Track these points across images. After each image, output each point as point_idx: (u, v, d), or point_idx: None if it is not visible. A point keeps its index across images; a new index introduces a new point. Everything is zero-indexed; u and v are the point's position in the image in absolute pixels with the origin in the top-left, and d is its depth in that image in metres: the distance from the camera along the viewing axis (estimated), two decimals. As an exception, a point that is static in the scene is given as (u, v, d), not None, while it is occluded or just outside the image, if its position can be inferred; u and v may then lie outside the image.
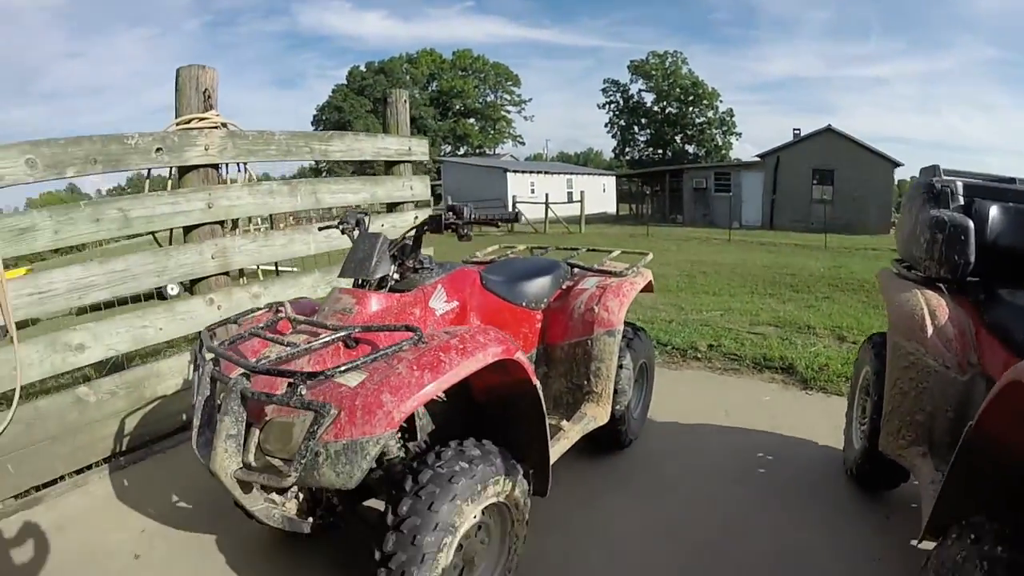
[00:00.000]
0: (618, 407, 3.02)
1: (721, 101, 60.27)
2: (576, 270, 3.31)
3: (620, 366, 3.01)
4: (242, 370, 1.79)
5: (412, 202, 5.15)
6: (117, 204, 3.37)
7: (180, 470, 3.27)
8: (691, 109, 59.92)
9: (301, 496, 2.11)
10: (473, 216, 2.29)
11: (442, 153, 53.24)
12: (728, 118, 60.46)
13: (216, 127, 3.77)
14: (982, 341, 2.29)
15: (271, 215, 4.88)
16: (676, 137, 61.21)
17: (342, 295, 2.17)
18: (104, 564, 2.52)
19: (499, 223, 2.44)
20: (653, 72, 59.65)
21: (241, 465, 1.75)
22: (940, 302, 2.37)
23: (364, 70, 61.42)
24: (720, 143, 60.47)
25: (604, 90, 63.99)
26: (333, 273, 4.27)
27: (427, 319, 2.21)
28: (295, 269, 4.79)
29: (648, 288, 3.32)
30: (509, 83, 65.16)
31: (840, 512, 2.77)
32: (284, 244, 4.21)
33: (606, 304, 2.91)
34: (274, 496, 2.02)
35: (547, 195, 26.28)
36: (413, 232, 2.35)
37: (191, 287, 3.84)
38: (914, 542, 2.49)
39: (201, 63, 3.75)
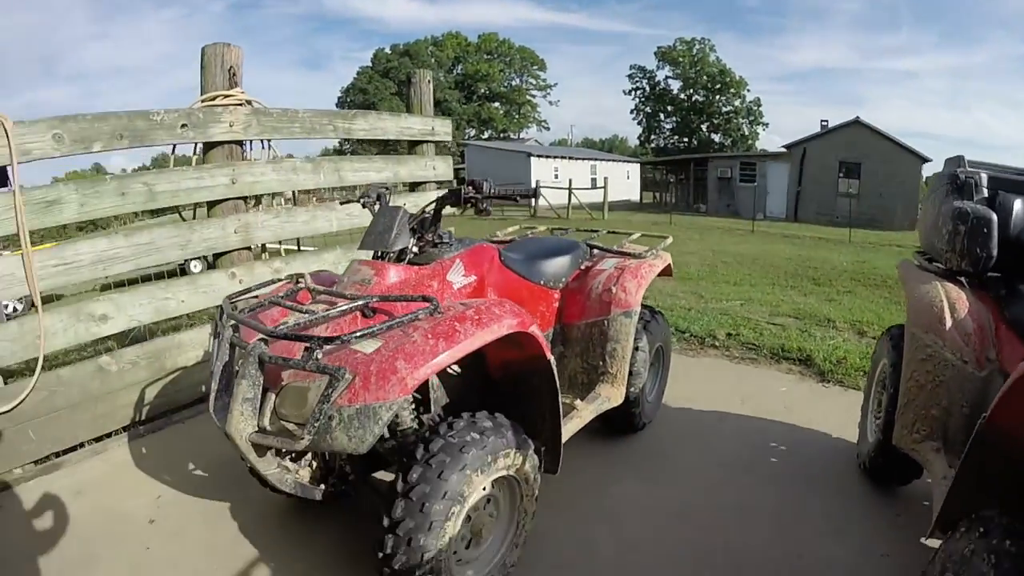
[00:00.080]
0: (633, 389, 3.03)
1: (748, 90, 59.55)
2: (595, 251, 3.32)
3: (636, 348, 3.01)
4: (261, 337, 1.82)
5: (434, 182, 5.17)
6: (142, 178, 3.43)
7: (197, 440, 3.34)
8: (718, 97, 59.21)
9: (314, 464, 2.16)
10: (492, 190, 2.30)
11: (466, 137, 53.06)
12: (755, 108, 59.70)
13: (241, 104, 3.81)
14: (1002, 337, 2.26)
15: (294, 194, 4.91)
16: (702, 126, 60.55)
17: (361, 266, 2.20)
18: (119, 528, 2.59)
19: (518, 198, 2.45)
20: (680, 59, 58.97)
21: (256, 429, 1.78)
22: (960, 295, 2.34)
23: (389, 52, 61.29)
24: (746, 133, 59.76)
25: (630, 76, 63.43)
26: (355, 251, 4.32)
27: (445, 292, 2.24)
28: (314, 249, 4.82)
29: (667, 271, 3.32)
30: (535, 67, 64.74)
31: (850, 506, 2.76)
32: (306, 220, 4.26)
33: (624, 285, 2.91)
34: (287, 463, 2.06)
35: (570, 180, 26.14)
36: (433, 205, 2.37)
37: (214, 261, 3.90)
38: (924, 539, 2.47)
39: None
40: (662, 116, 63.16)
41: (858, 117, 27.26)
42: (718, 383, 4.25)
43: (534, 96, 64.94)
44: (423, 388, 2.18)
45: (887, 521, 2.65)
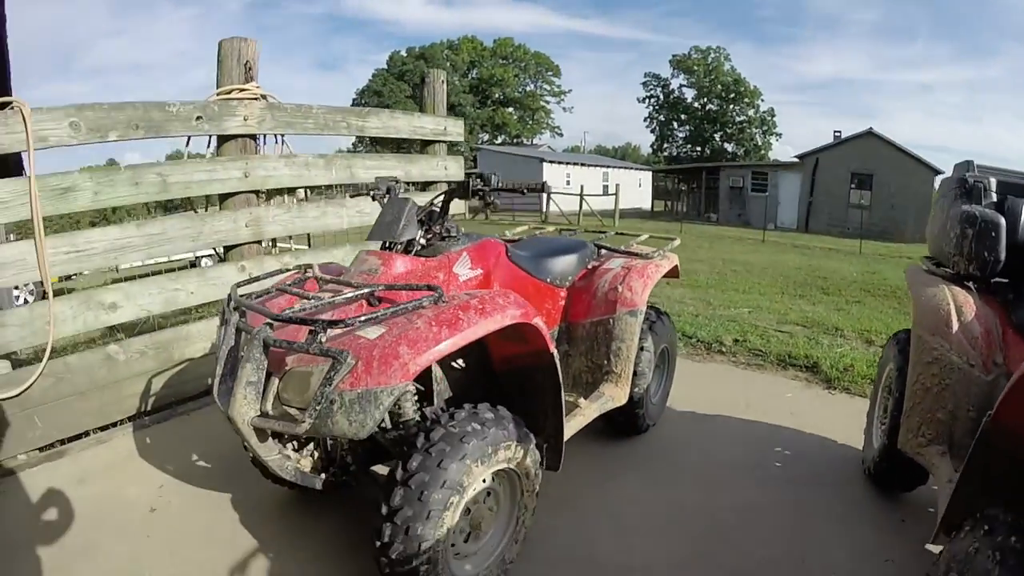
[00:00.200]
0: (637, 389, 3.02)
1: (762, 100, 59.39)
2: (603, 251, 3.32)
3: (641, 348, 3.01)
4: (266, 322, 1.83)
5: (446, 182, 5.18)
6: (156, 169, 3.45)
7: (202, 431, 3.36)
8: (732, 107, 59.06)
9: (316, 454, 2.16)
10: (500, 183, 2.31)
11: (479, 141, 53.15)
12: (769, 117, 59.51)
13: (256, 98, 3.84)
14: (1009, 341, 2.25)
15: (307, 195, 4.95)
16: (715, 135, 60.38)
17: (368, 256, 2.21)
18: (120, 516, 2.60)
19: (525, 190, 2.46)
20: (695, 68, 58.91)
21: (259, 413, 1.79)
22: (967, 299, 2.33)
23: (405, 55, 61.45)
24: (759, 143, 59.56)
25: (644, 84, 63.37)
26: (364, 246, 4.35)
27: (450, 284, 2.24)
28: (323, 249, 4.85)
29: (673, 273, 3.31)
30: (549, 73, 64.75)
31: (855, 511, 2.75)
32: (317, 216, 4.28)
33: (630, 284, 2.92)
34: (289, 451, 2.07)
35: (582, 187, 26.15)
36: (441, 198, 2.38)
37: (224, 254, 3.92)
38: (928, 545, 2.46)
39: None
40: (675, 124, 63.03)
41: (871, 128, 27.19)
42: (724, 388, 4.24)
43: (548, 102, 65.00)
44: (426, 380, 2.19)
45: (891, 526, 2.64)
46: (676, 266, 3.31)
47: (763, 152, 58.10)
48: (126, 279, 3.66)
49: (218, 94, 3.73)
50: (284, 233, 4.17)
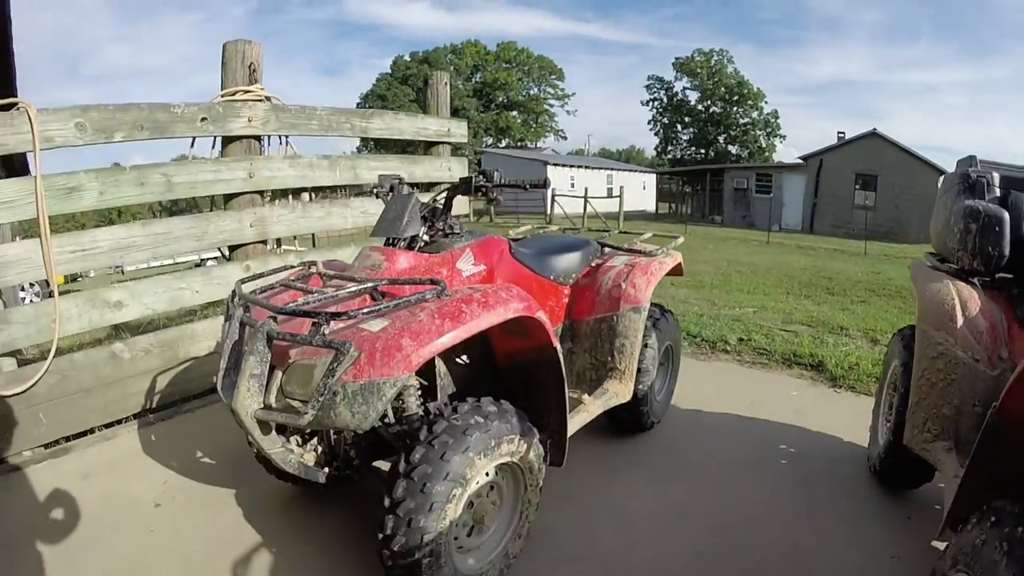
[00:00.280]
0: (641, 386, 3.03)
1: (766, 102, 59.47)
2: (606, 249, 3.32)
3: (645, 345, 3.01)
4: (270, 315, 1.84)
5: (450, 183, 5.18)
6: (161, 169, 3.47)
7: (207, 429, 3.37)
8: (735, 109, 59.09)
9: (319, 449, 2.17)
10: (503, 179, 2.31)
11: (483, 145, 53.20)
12: (772, 120, 59.57)
13: (260, 100, 3.86)
14: (1014, 336, 2.23)
15: (311, 197, 4.97)
16: (719, 137, 60.40)
17: (372, 252, 2.22)
18: (125, 511, 2.61)
19: (528, 186, 2.46)
20: (698, 70, 58.97)
21: (262, 405, 1.80)
22: (972, 293, 2.32)
23: (408, 60, 61.64)
24: (763, 145, 59.56)
25: (648, 87, 63.51)
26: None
27: (454, 279, 2.24)
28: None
29: (677, 270, 3.31)
30: (553, 77, 64.86)
31: (860, 508, 2.73)
32: (321, 216, 4.30)
33: (633, 281, 2.91)
34: (293, 445, 2.08)
35: (586, 189, 26.12)
36: (445, 194, 2.39)
37: (229, 254, 3.94)
38: (935, 542, 2.44)
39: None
40: (679, 127, 63.12)
41: (875, 129, 27.10)
42: (728, 386, 4.23)
43: (552, 105, 65.16)
44: (430, 375, 2.20)
45: (897, 523, 2.62)
46: (680, 264, 3.31)
47: (767, 154, 58.07)
48: (131, 281, 3.67)
49: (223, 95, 3.75)
50: (289, 233, 4.19)
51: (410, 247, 2.27)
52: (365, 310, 1.75)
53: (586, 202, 24.23)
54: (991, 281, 2.43)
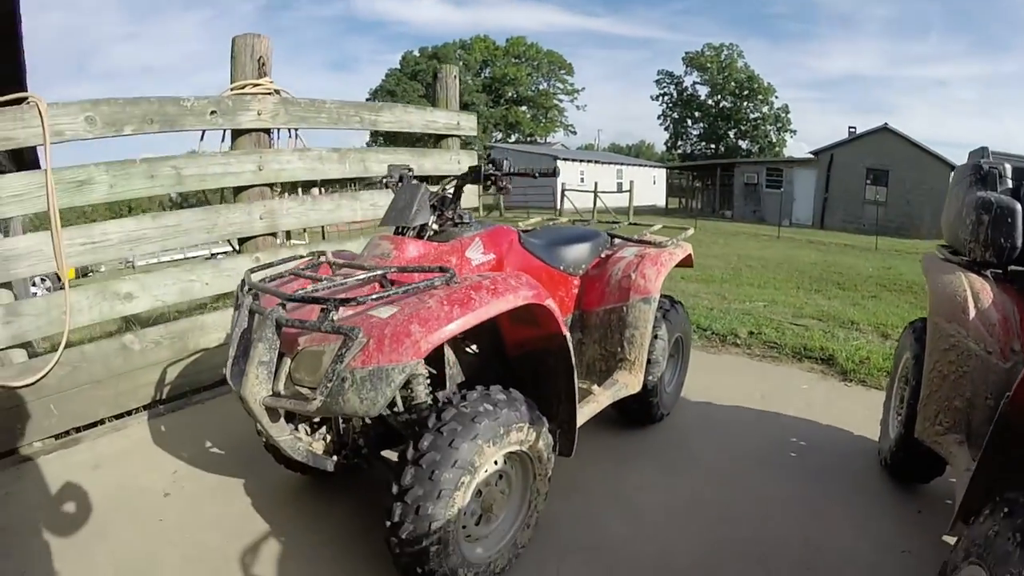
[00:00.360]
0: (651, 377, 3.01)
1: (776, 97, 58.93)
2: (616, 240, 3.31)
3: (655, 336, 3.00)
4: (279, 302, 1.84)
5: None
6: (171, 162, 3.48)
7: (216, 419, 3.39)
8: (745, 104, 58.69)
9: (328, 437, 2.17)
10: (512, 168, 2.31)
11: (493, 140, 53.13)
12: (783, 114, 59.09)
13: (269, 93, 3.86)
14: None
15: (320, 191, 4.98)
16: (729, 132, 60.07)
17: (381, 241, 2.22)
18: (134, 501, 2.63)
19: (537, 174, 2.46)
20: (708, 65, 58.62)
21: (271, 393, 1.80)
22: (984, 285, 2.30)
23: (418, 55, 61.48)
24: (774, 140, 59.16)
25: (658, 81, 63.16)
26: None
27: (463, 268, 2.24)
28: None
29: (687, 262, 3.29)
30: (562, 72, 64.54)
31: (871, 502, 2.72)
32: (331, 209, 4.30)
33: (643, 271, 2.90)
34: (301, 434, 2.08)
35: (596, 184, 26.08)
36: (454, 183, 2.39)
37: (239, 246, 3.95)
38: (946, 536, 2.43)
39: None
40: (689, 122, 62.77)
41: (886, 124, 26.88)
42: (738, 379, 4.21)
43: (561, 100, 64.80)
44: (439, 364, 2.20)
45: (908, 518, 2.61)
46: (690, 255, 3.29)
47: (777, 149, 57.68)
48: (141, 273, 3.68)
49: (232, 89, 3.76)
50: (298, 225, 4.20)
51: (419, 236, 2.27)
52: (374, 296, 1.75)
53: (596, 197, 24.19)
54: (1003, 274, 2.41)
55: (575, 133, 67.47)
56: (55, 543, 2.33)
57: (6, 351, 3.02)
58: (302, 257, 2.48)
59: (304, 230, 4.58)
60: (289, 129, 4.13)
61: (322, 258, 2.32)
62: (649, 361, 2.95)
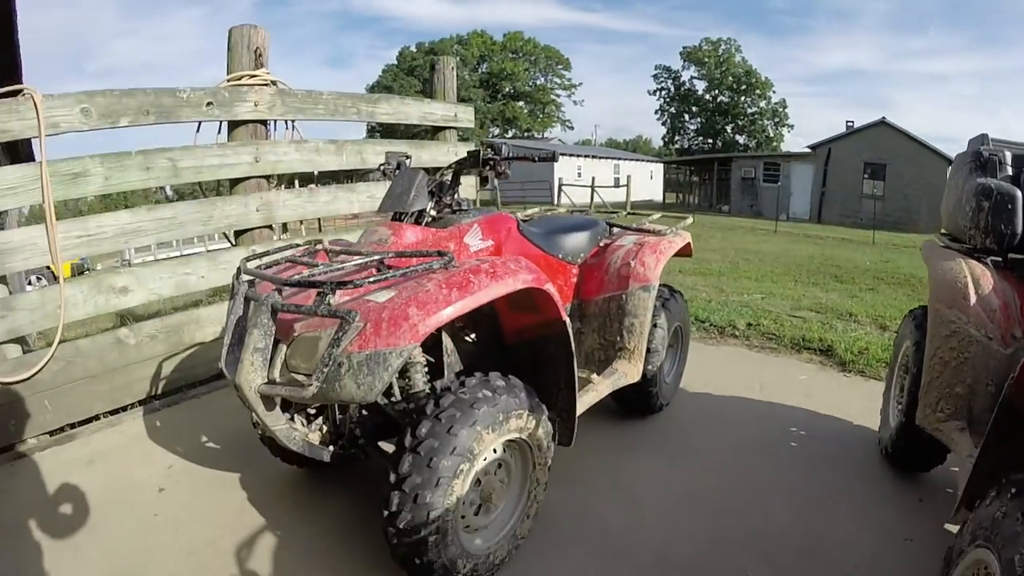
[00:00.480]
0: (650, 367, 3.00)
1: (774, 91, 58.93)
2: (615, 229, 3.29)
3: (655, 325, 2.99)
4: (275, 288, 1.82)
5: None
6: (167, 154, 3.45)
7: (212, 414, 3.37)
8: (743, 98, 58.65)
9: (324, 428, 2.15)
10: (510, 153, 2.29)
11: (490, 135, 53.06)
12: (780, 109, 59.06)
13: (266, 84, 3.84)
14: None
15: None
16: (727, 127, 60.03)
17: (379, 227, 2.20)
18: (129, 496, 2.61)
19: (536, 159, 2.44)
20: (706, 59, 58.52)
21: (266, 380, 1.77)
22: (984, 272, 2.29)
23: (415, 51, 61.37)
24: (771, 135, 59.13)
25: (655, 76, 63.02)
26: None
27: (461, 254, 2.21)
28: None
29: (686, 250, 3.27)
30: (560, 67, 64.46)
31: (872, 491, 2.71)
32: (328, 201, 4.28)
33: (643, 259, 2.89)
34: (297, 424, 2.06)
35: (593, 178, 26.06)
36: (452, 168, 2.37)
37: (235, 239, 3.92)
38: (948, 525, 2.43)
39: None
40: (687, 117, 62.73)
41: (884, 118, 26.86)
42: (737, 370, 4.21)
43: (559, 95, 64.72)
44: (436, 353, 2.18)
45: (910, 506, 2.60)
46: (689, 243, 3.28)
47: (775, 144, 57.64)
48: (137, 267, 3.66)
49: (228, 80, 3.73)
50: (295, 217, 4.17)
51: (417, 222, 2.25)
52: (371, 279, 1.73)
53: (593, 191, 24.17)
54: (1003, 261, 2.41)
55: (572, 128, 67.58)
56: (49, 540, 2.30)
57: (0, 346, 3.00)
58: (298, 245, 2.46)
59: (301, 223, 4.54)
60: (286, 121, 4.10)
61: (318, 246, 2.30)
62: (648, 350, 2.94)
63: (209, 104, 3.56)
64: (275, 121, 4.03)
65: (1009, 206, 2.31)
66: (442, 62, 5.25)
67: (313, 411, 2.19)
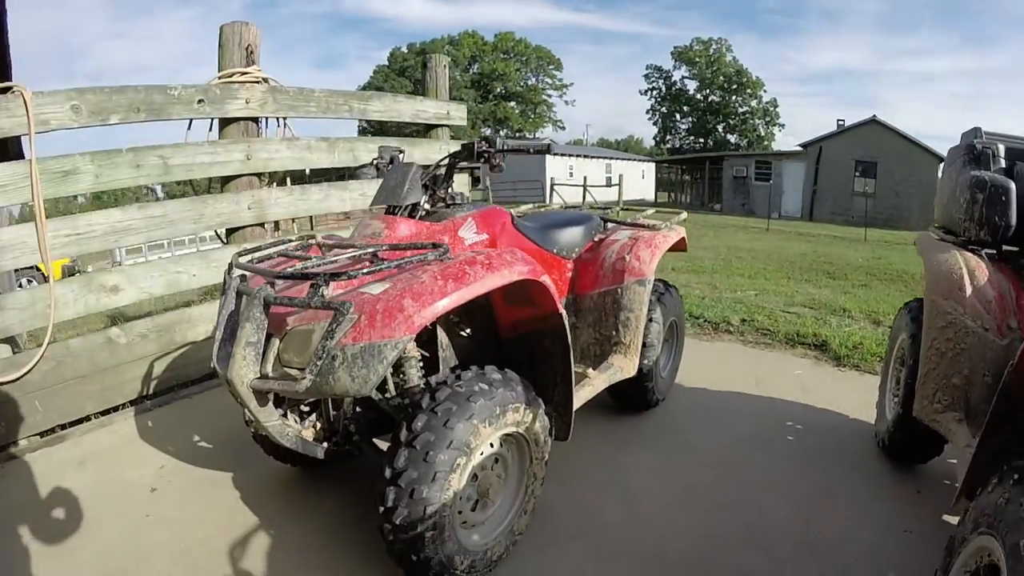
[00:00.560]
0: (646, 361, 2.99)
1: (765, 91, 59.20)
2: (609, 224, 3.28)
3: (650, 319, 2.98)
4: (268, 281, 1.80)
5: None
6: (158, 151, 3.42)
7: (204, 414, 3.34)
8: (734, 98, 58.85)
9: (318, 424, 2.12)
10: (505, 145, 2.27)
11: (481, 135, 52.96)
12: (771, 108, 59.31)
13: (257, 82, 3.81)
14: (1023, 306, 2.23)
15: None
16: (718, 126, 60.22)
17: (372, 220, 2.18)
18: (120, 496, 2.58)
19: (531, 150, 2.42)
20: (697, 59, 58.70)
21: (258, 375, 1.74)
22: (979, 263, 2.31)
23: (406, 51, 61.29)
24: (762, 134, 59.36)
25: (647, 76, 63.20)
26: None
27: (455, 248, 2.19)
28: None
29: (680, 245, 3.27)
30: (551, 67, 64.47)
31: (870, 484, 2.71)
32: (320, 199, 4.24)
33: (638, 254, 2.88)
34: (291, 420, 2.03)
35: (585, 178, 26.07)
36: (446, 161, 2.35)
37: (227, 237, 3.90)
38: (947, 516, 2.43)
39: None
40: (678, 116, 62.90)
41: (875, 116, 26.98)
42: (732, 365, 4.21)
43: (550, 96, 64.73)
44: (431, 347, 2.16)
45: (908, 498, 2.60)
46: (683, 238, 3.27)
47: (766, 143, 57.84)
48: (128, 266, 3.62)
49: (220, 78, 3.70)
50: (287, 215, 4.14)
51: (411, 216, 2.23)
52: (365, 271, 1.70)
53: (585, 191, 24.18)
54: (997, 253, 2.42)
55: (564, 128, 67.54)
56: (40, 541, 2.27)
57: (-10, 346, 2.97)
58: (291, 241, 2.44)
59: (293, 221, 4.51)
60: (278, 118, 4.08)
61: (311, 241, 2.28)
62: (644, 344, 2.93)
63: (200, 101, 3.53)
64: (267, 119, 4.00)
65: (1003, 198, 2.32)
66: (435, 59, 5.23)
67: (306, 408, 2.16)
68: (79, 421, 3.23)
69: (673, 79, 61.87)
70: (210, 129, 3.83)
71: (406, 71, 57.56)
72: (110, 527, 2.35)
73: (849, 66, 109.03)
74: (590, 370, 2.78)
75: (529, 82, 64.00)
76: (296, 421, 2.09)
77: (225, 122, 3.76)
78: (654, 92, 63.08)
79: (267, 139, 3.97)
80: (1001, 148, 2.59)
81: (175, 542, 2.26)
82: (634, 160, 44.61)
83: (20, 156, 3.10)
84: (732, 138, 60.02)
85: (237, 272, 2.00)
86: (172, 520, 2.40)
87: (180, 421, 3.27)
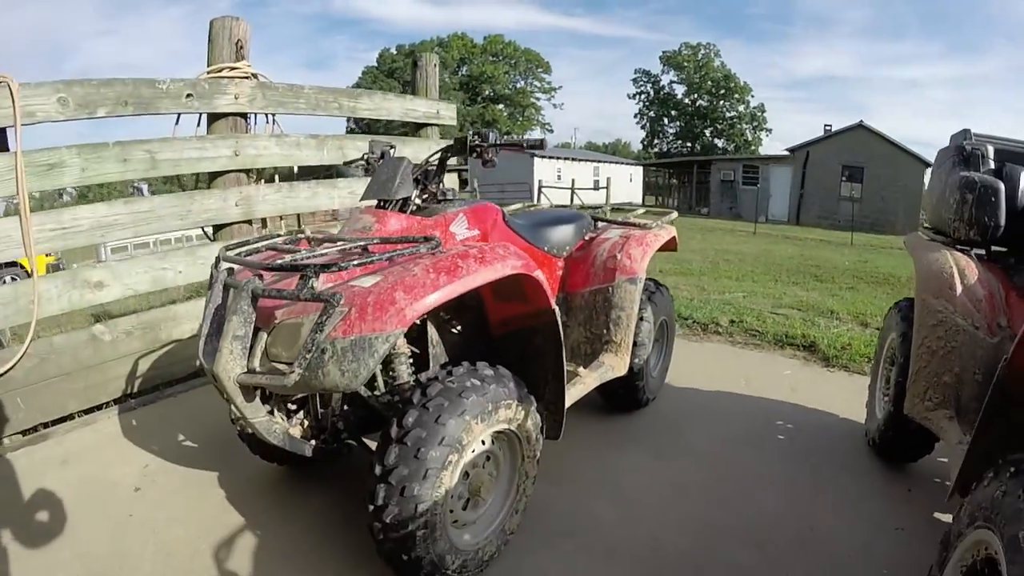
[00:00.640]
0: (637, 360, 2.98)
1: (752, 96, 59.47)
2: (600, 223, 3.27)
3: (641, 318, 2.97)
4: (256, 273, 1.76)
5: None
6: (145, 146, 3.37)
7: (190, 412, 3.29)
8: (722, 103, 59.11)
9: (306, 422, 2.08)
10: (497, 140, 2.25)
11: (470, 138, 52.94)
12: (759, 113, 59.61)
13: (247, 77, 3.78)
14: (1012, 304, 2.25)
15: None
16: (705, 131, 60.45)
17: (363, 215, 2.15)
18: (103, 496, 2.53)
19: (524, 147, 2.40)
20: (685, 64, 58.94)
21: (245, 369, 1.71)
22: (969, 263, 2.34)
23: (395, 53, 61.21)
24: (750, 139, 59.66)
25: (635, 80, 63.35)
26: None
27: (447, 242, 2.16)
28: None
29: (671, 244, 3.26)
30: (540, 70, 64.52)
31: (861, 482, 2.71)
32: (308, 196, 4.21)
33: (629, 252, 2.87)
34: (278, 418, 1.99)
35: (573, 181, 26.11)
36: (438, 156, 2.32)
37: (214, 234, 3.85)
38: (938, 514, 2.44)
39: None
40: (666, 120, 63.07)
41: (862, 121, 27.22)
42: (722, 366, 4.21)
43: (538, 99, 64.74)
44: (421, 344, 2.13)
45: (899, 496, 2.61)
46: (674, 237, 3.26)
47: (753, 148, 58.08)
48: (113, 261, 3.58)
49: (208, 72, 3.67)
50: (275, 212, 4.11)
51: (402, 210, 2.20)
52: (356, 263, 1.68)
53: (573, 193, 24.23)
54: (986, 253, 2.44)
55: (552, 131, 67.38)
56: (21, 541, 2.22)
57: (-30, 343, 2.92)
58: (279, 235, 2.40)
59: (281, 218, 4.47)
60: (266, 114, 4.04)
61: (300, 235, 2.25)
62: (635, 343, 2.92)
63: (189, 96, 3.49)
64: (255, 115, 3.97)
65: (992, 199, 2.35)
66: (425, 58, 5.22)
67: (294, 405, 2.12)
68: (62, 419, 3.18)
69: (661, 83, 62.10)
70: (198, 124, 3.79)
71: (395, 72, 57.44)
72: (93, 527, 2.30)
73: (836, 72, 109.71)
74: (581, 368, 2.76)
75: (518, 85, 64.03)
76: (283, 419, 2.05)
77: (213, 117, 3.73)
78: (642, 96, 63.31)
79: (255, 135, 3.94)
80: (990, 149, 2.63)
81: (159, 543, 2.21)
82: (622, 163, 44.67)
83: (4, 148, 3.05)
84: (720, 143, 60.23)
85: (224, 265, 1.97)
86: (156, 520, 2.35)
87: (165, 420, 3.22)
